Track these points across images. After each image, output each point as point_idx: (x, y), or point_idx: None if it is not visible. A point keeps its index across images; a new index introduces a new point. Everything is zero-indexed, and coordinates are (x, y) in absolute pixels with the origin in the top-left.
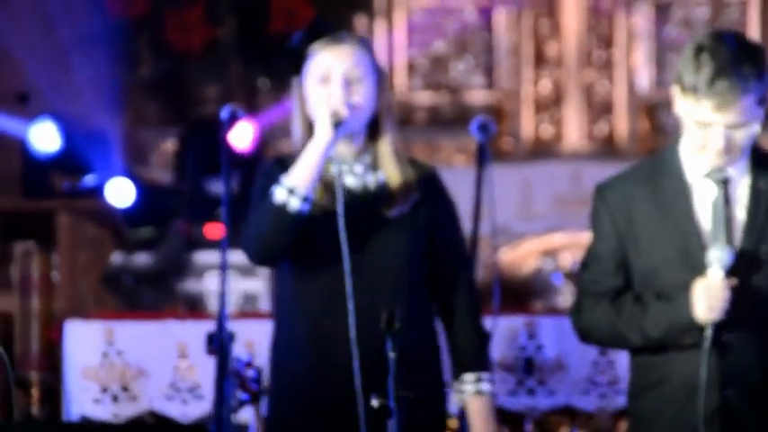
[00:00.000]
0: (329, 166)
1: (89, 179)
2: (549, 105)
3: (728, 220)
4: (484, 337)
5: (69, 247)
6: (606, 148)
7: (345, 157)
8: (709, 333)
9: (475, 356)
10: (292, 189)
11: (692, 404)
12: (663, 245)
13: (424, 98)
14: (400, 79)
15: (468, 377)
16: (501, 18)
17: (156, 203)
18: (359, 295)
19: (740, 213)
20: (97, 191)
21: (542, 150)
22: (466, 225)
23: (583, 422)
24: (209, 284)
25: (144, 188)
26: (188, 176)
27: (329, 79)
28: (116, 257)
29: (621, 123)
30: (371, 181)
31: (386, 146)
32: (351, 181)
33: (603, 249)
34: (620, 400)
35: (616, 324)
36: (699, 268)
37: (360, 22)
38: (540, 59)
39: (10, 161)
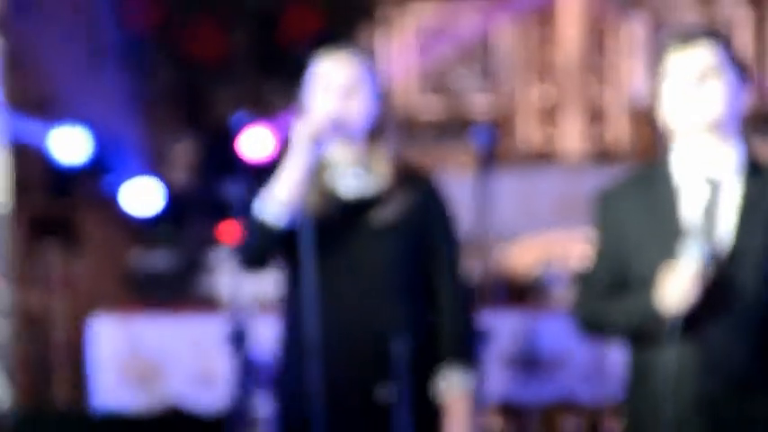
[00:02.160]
0: (324, 172)
1: (110, 181)
2: (549, 113)
3: (711, 217)
4: (471, 334)
5: (92, 246)
6: (605, 155)
7: (343, 163)
8: (675, 321)
9: (458, 349)
10: (270, 204)
11: (676, 398)
12: (652, 248)
13: (426, 106)
14: (402, 87)
15: (456, 367)
16: (501, 27)
17: (174, 205)
18: (350, 300)
19: (726, 215)
20: (118, 192)
21: (542, 157)
22: (466, 231)
23: (584, 415)
24: (226, 282)
25: (162, 190)
26: (204, 180)
27: (328, 89)
28: (136, 256)
29: (620, 131)
30: (366, 188)
31: (382, 154)
32: (347, 186)
33: (601, 253)
34: (620, 394)
35: (602, 316)
36: None
37: (364, 31)
38: (539, 67)
39: (35, 164)
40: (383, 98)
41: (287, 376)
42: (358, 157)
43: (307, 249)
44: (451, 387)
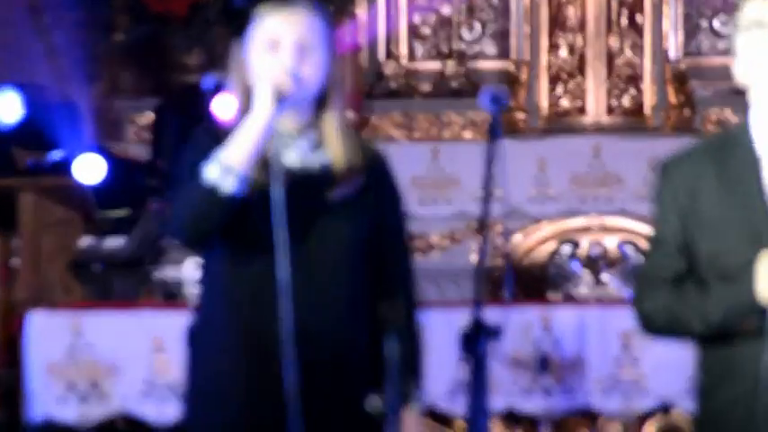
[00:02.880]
0: (270, 143)
1: (56, 155)
2: (568, 75)
3: None
4: (418, 341)
5: (33, 230)
6: (630, 121)
7: (288, 132)
8: None
9: (408, 362)
10: (227, 168)
11: (762, 399)
12: (729, 223)
13: (430, 67)
14: (403, 46)
15: (406, 382)
16: None
17: (131, 181)
18: (295, 285)
19: None
20: (65, 168)
21: (560, 124)
22: (475, 206)
23: (604, 425)
24: (187, 272)
25: (117, 164)
26: (165, 152)
27: (278, 46)
28: (85, 241)
29: (647, 94)
30: (314, 160)
31: (332, 123)
32: (292, 159)
33: (666, 232)
34: (646, 401)
35: (677, 310)
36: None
37: None
38: (557, 25)
39: None
40: (336, 60)
41: (198, 372)
42: (305, 126)
43: (266, 222)
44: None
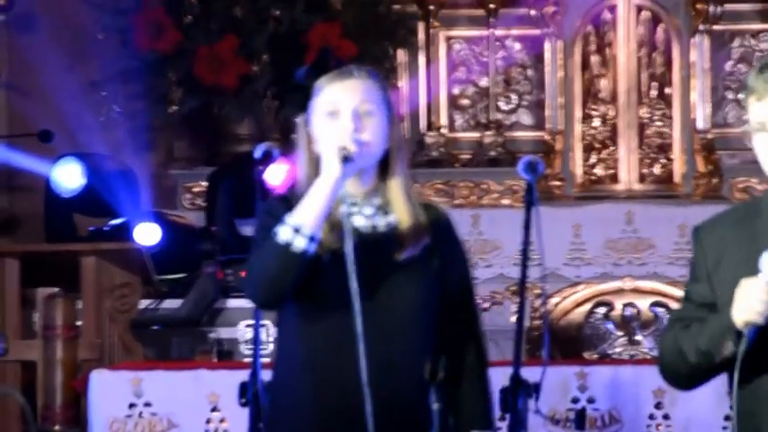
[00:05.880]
0: (338, 206)
1: (116, 221)
2: (601, 145)
3: None
4: (489, 396)
5: (95, 292)
6: (661, 188)
7: (354, 196)
8: (745, 335)
9: (480, 416)
10: (298, 228)
11: None
12: None
13: (469, 137)
14: (443, 117)
15: None
16: (549, 53)
17: (186, 246)
18: (367, 342)
19: None
20: (124, 233)
21: (594, 192)
22: (514, 269)
23: None
24: (242, 332)
25: (173, 230)
26: (219, 218)
27: (338, 114)
28: (144, 304)
29: (677, 163)
30: (381, 223)
31: (397, 186)
32: (360, 222)
33: (693, 291)
34: None
35: (679, 342)
36: None
37: (400, 56)
38: (590, 96)
39: (33, 203)
40: (396, 125)
41: (276, 427)
42: (370, 189)
43: (337, 281)
44: None
